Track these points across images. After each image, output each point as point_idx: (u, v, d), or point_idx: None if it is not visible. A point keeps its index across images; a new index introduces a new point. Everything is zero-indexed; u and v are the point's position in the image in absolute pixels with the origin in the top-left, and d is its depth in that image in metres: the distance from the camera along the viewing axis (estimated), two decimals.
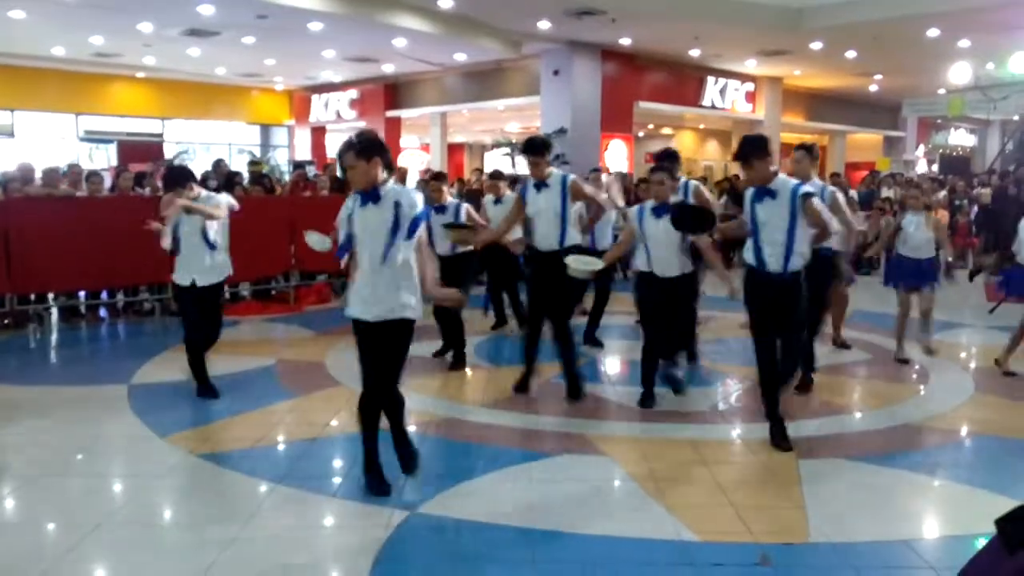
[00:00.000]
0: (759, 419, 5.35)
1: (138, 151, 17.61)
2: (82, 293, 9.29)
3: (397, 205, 3.85)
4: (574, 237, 5.71)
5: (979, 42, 15.23)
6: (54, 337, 8.44)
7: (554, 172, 5.71)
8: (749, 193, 4.79)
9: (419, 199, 3.94)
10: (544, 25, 14.21)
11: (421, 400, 5.86)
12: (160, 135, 20.96)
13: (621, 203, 8.28)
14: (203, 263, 5.66)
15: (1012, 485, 4.22)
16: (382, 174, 3.91)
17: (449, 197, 7.23)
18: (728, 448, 4.94)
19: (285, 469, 4.51)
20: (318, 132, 22.99)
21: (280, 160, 21.57)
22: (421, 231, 3.95)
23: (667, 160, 6.09)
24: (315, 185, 11.80)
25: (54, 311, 9.06)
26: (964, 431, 5.38)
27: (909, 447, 4.96)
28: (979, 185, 16.51)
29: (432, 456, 4.78)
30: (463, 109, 20.20)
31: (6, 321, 8.47)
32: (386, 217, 3.85)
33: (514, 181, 14.15)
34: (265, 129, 23.71)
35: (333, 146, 23.31)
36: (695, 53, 17.04)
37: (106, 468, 4.63)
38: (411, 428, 5.30)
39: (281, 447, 4.96)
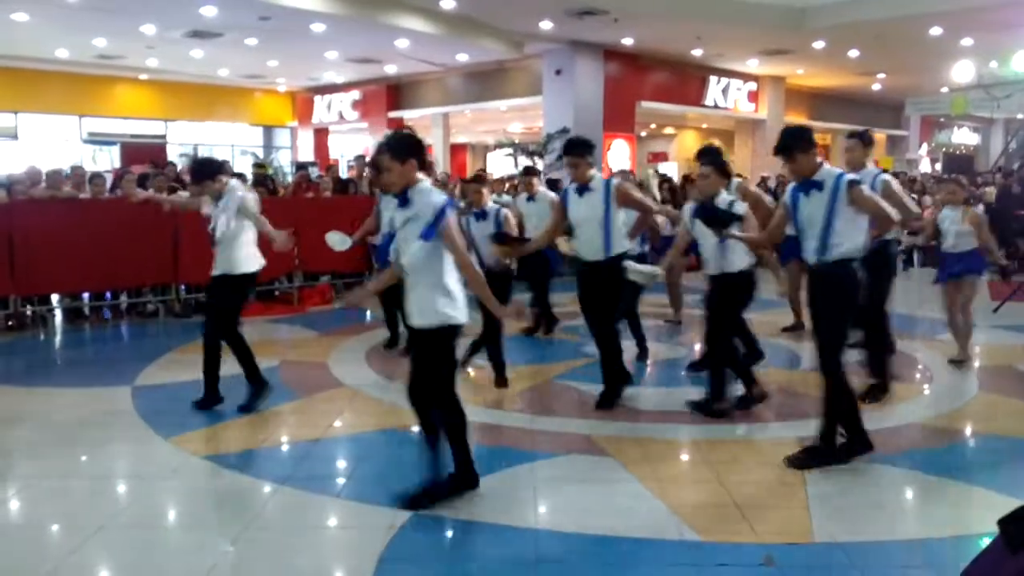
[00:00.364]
0: (763, 419, 5.36)
1: (141, 153, 17.64)
2: (86, 295, 9.31)
3: (418, 208, 3.74)
4: (622, 244, 5.41)
5: (982, 40, 15.21)
6: (58, 339, 8.47)
7: (596, 175, 5.40)
8: (790, 188, 4.55)
9: (436, 200, 3.73)
10: (546, 25, 14.22)
11: None
12: (163, 137, 21.00)
13: (658, 197, 7.88)
14: (216, 255, 5.51)
15: (1016, 485, 4.21)
16: (418, 175, 3.80)
17: (490, 201, 6.78)
18: (732, 448, 4.92)
19: (288, 470, 4.51)
20: (321, 133, 23.02)
21: (283, 161, 21.61)
22: (447, 230, 3.72)
23: (708, 155, 5.63)
24: (318, 186, 11.82)
25: (58, 313, 9.08)
26: (968, 431, 5.37)
27: (913, 447, 4.94)
28: (983, 184, 16.48)
29: None
30: (465, 110, 20.21)
31: (10, 323, 8.49)
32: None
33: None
34: (268, 130, 23.74)
35: (336, 147, 23.36)
36: (697, 53, 17.04)
37: (109, 470, 4.63)
38: (415, 429, 5.31)
39: (284, 448, 4.96)
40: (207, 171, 5.46)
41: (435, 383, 3.90)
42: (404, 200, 3.79)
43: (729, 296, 5.33)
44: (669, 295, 8.57)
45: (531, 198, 7.87)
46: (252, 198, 5.55)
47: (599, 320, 5.47)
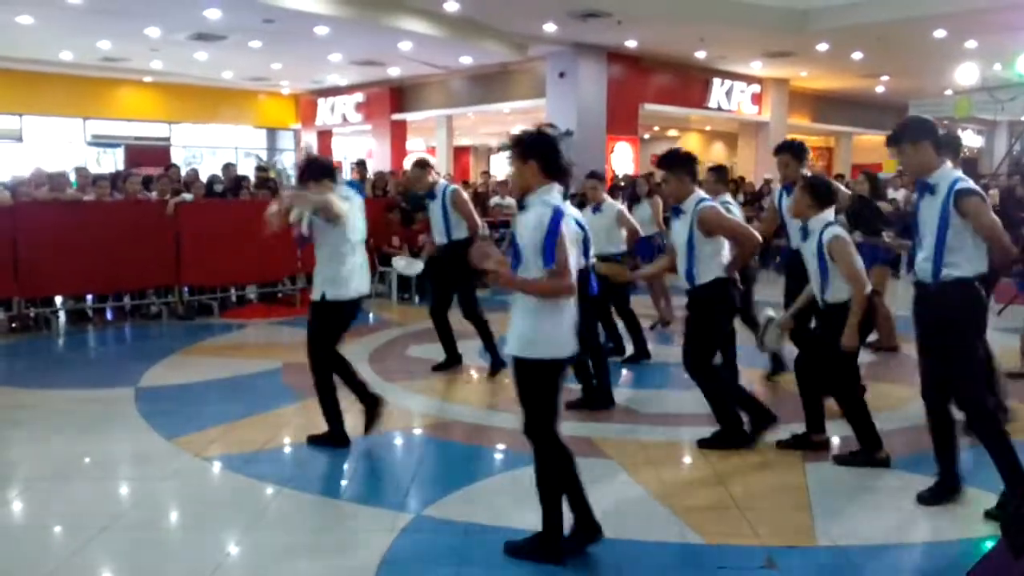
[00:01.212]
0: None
1: (146, 155, 17.69)
2: (89, 297, 9.33)
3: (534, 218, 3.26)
4: (712, 271, 4.67)
5: (986, 43, 15.19)
6: (61, 340, 8.48)
7: (694, 195, 4.64)
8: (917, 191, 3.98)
9: (546, 214, 3.21)
10: (549, 28, 14.22)
11: (427, 403, 5.87)
12: (167, 139, 21.05)
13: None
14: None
15: None
16: (542, 178, 3.29)
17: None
18: (733, 451, 4.91)
19: (291, 472, 4.52)
20: (324, 136, 23.05)
21: (286, 164, 21.63)
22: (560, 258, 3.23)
23: (788, 151, 5.13)
24: None
25: (61, 315, 9.10)
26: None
27: (915, 449, 4.91)
28: (988, 187, 16.44)
29: (437, 459, 4.80)
30: (469, 112, 20.22)
31: (14, 325, 8.51)
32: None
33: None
34: (271, 133, 23.78)
35: (339, 150, 23.39)
36: (700, 55, 17.03)
37: (112, 471, 4.64)
38: (418, 431, 5.32)
39: (287, 450, 4.96)
40: (316, 172, 4.96)
41: (537, 420, 3.38)
42: (521, 207, 3.38)
43: (840, 327, 4.43)
44: (654, 296, 8.49)
45: (597, 208, 6.67)
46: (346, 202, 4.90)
47: (689, 358, 4.80)
